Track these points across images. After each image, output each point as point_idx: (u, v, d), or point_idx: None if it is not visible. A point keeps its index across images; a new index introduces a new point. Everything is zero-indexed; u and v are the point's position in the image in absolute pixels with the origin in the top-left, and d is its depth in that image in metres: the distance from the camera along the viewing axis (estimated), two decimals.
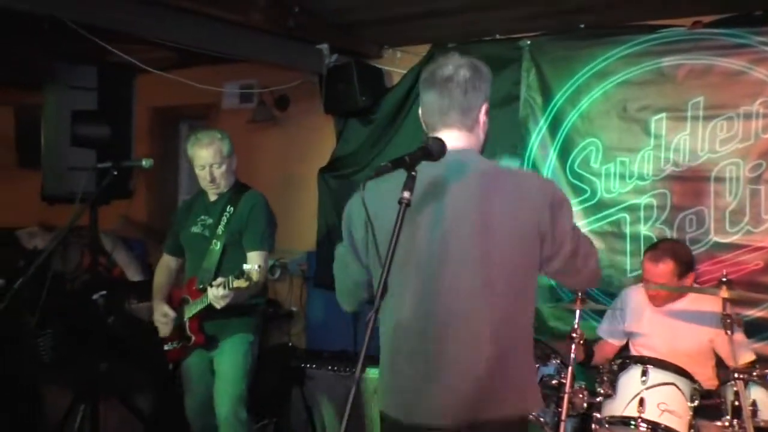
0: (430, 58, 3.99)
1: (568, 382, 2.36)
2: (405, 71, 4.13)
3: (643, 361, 2.43)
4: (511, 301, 1.67)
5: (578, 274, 1.78)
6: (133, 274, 4.75)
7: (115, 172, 2.68)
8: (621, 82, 3.42)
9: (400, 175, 1.53)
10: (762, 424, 2.04)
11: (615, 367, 2.48)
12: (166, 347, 3.01)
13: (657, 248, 2.86)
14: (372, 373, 3.80)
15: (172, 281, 3.13)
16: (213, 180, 2.92)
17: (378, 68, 4.17)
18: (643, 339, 2.95)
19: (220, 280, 2.65)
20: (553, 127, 3.62)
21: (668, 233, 3.31)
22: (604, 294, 3.45)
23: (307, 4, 3.58)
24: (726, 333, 2.21)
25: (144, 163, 2.78)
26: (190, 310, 2.90)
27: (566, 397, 2.32)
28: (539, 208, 1.66)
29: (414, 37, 4.04)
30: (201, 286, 2.83)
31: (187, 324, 2.91)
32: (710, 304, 2.83)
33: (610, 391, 2.40)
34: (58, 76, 3.17)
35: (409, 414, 1.67)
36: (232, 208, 2.94)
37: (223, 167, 2.93)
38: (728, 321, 2.17)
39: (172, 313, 2.95)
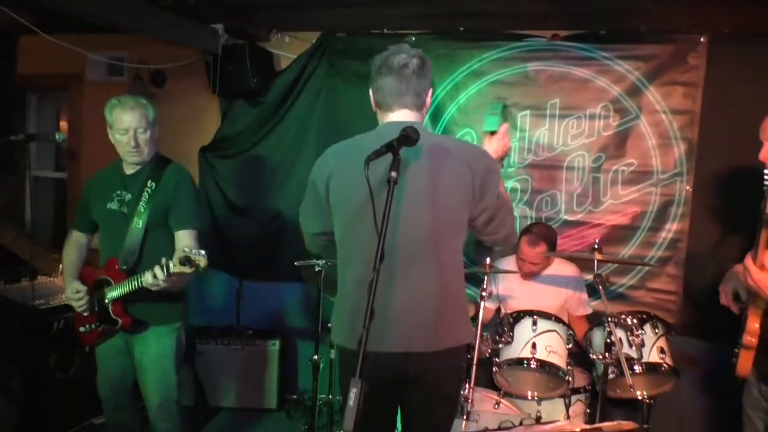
0: (319, 46, 4.22)
1: (478, 333, 2.80)
2: (293, 56, 4.29)
3: (532, 313, 2.94)
4: (451, 251, 2.07)
5: (497, 232, 2.17)
6: None
7: (26, 145, 2.54)
8: (493, 81, 3.94)
9: (361, 149, 1.82)
10: (625, 355, 2.65)
11: (511, 320, 2.97)
12: (81, 329, 2.84)
13: (532, 233, 3.38)
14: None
15: (83, 259, 2.95)
16: (137, 145, 2.72)
17: (269, 51, 4.27)
18: (513, 302, 3.50)
19: (163, 261, 2.48)
20: (434, 117, 4.05)
21: (529, 212, 3.93)
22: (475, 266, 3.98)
23: None
24: (599, 288, 2.77)
25: (57, 137, 2.66)
26: (113, 293, 2.72)
27: (476, 346, 2.75)
28: (477, 174, 2.03)
29: (304, 24, 4.20)
30: (125, 267, 2.71)
31: (110, 307, 2.73)
32: (567, 270, 3.49)
33: (509, 339, 2.88)
34: None
35: (375, 343, 1.87)
36: (153, 183, 2.76)
37: (148, 133, 2.75)
38: (598, 280, 2.74)
39: (83, 288, 2.78)
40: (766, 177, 1.94)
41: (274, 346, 4.07)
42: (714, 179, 3.57)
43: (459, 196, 2.03)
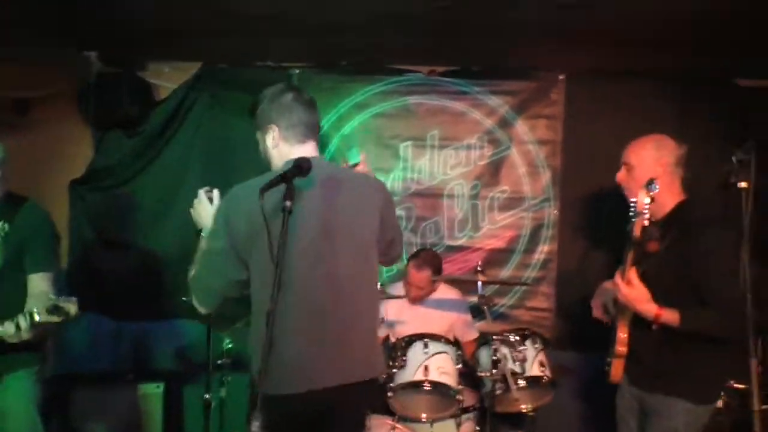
0: (200, 77, 4.15)
1: None
2: (173, 86, 4.18)
3: (423, 336, 3.04)
4: (363, 283, 2.08)
5: (391, 255, 2.28)
6: None
7: None
8: (376, 113, 4.09)
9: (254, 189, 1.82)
10: (510, 371, 2.82)
11: (403, 344, 3.04)
12: None
13: (419, 257, 3.52)
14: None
15: None
16: None
17: (146, 81, 4.13)
18: (402, 327, 3.59)
19: (27, 310, 2.33)
20: (321, 148, 4.08)
21: (414, 239, 4.07)
22: None
23: (78, 8, 3.41)
24: (484, 309, 2.93)
25: None
26: None
27: None
28: (378, 206, 2.10)
29: (184, 54, 4.12)
30: None
31: None
32: (451, 294, 3.66)
33: (402, 363, 2.95)
34: None
35: (305, 383, 1.92)
36: (7, 224, 2.58)
37: None
38: (483, 300, 2.90)
39: None
40: (631, 205, 2.16)
41: (158, 389, 3.85)
42: (577, 203, 3.94)
43: (363, 229, 2.07)
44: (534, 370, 3.01)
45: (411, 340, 3.04)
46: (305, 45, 3.92)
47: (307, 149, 2.08)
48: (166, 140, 4.16)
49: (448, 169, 4.07)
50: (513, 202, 4.03)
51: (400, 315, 3.60)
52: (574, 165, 3.96)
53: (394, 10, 3.22)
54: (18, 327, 2.33)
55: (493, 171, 4.03)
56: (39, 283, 2.58)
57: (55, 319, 2.30)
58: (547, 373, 3.02)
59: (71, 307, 2.31)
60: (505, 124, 4.02)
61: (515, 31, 3.43)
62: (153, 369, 4.06)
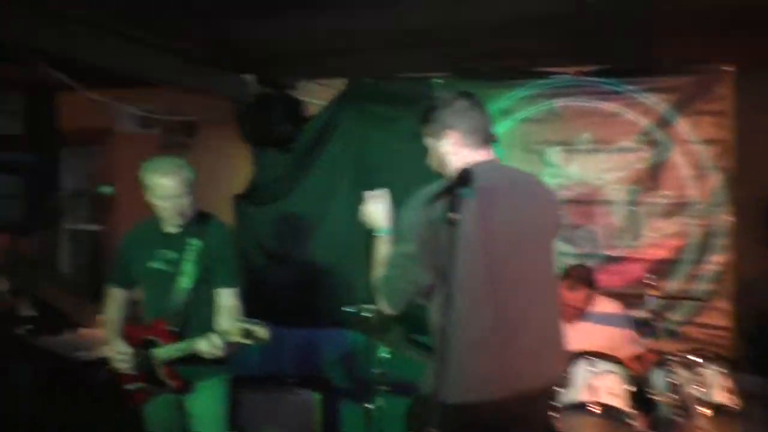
0: (347, 92, 4.29)
1: None
2: (322, 102, 4.36)
3: (588, 354, 2.86)
4: (546, 287, 2.08)
5: None
6: (26, 308, 4.42)
7: (75, 201, 2.58)
8: (522, 119, 3.96)
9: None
10: (691, 396, 2.57)
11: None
12: (128, 387, 2.81)
13: (570, 277, 3.32)
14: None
15: (125, 316, 2.92)
16: (178, 212, 2.69)
17: (298, 99, 4.34)
18: None
19: (226, 331, 2.50)
20: None
21: (566, 248, 3.87)
22: None
23: (234, 35, 3.67)
24: (655, 326, 2.69)
25: (103, 190, 2.69)
26: (163, 355, 2.69)
27: None
28: (554, 208, 2.19)
29: (332, 71, 4.29)
30: (173, 329, 2.68)
31: (161, 369, 2.71)
32: (611, 308, 3.43)
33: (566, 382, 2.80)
34: None
35: (491, 391, 1.89)
36: (197, 242, 2.72)
37: (186, 197, 2.70)
38: (653, 316, 2.68)
39: (128, 350, 2.76)
40: None
41: (317, 396, 4.00)
42: (756, 208, 3.52)
43: (549, 225, 2.12)
44: (720, 396, 2.71)
45: (574, 357, 2.87)
46: (446, 54, 3.90)
47: (488, 153, 2.07)
48: (317, 155, 4.34)
49: (601, 173, 3.83)
50: (677, 207, 3.70)
51: None
52: (749, 165, 3.54)
53: (533, 11, 3.09)
54: (213, 345, 2.51)
55: (653, 174, 3.73)
56: (227, 298, 2.73)
57: (247, 342, 2.45)
58: (735, 400, 2.72)
59: (262, 332, 2.45)
60: (663, 123, 3.71)
61: (669, 23, 3.15)
62: (313, 376, 4.23)
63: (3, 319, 3.95)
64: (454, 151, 2.05)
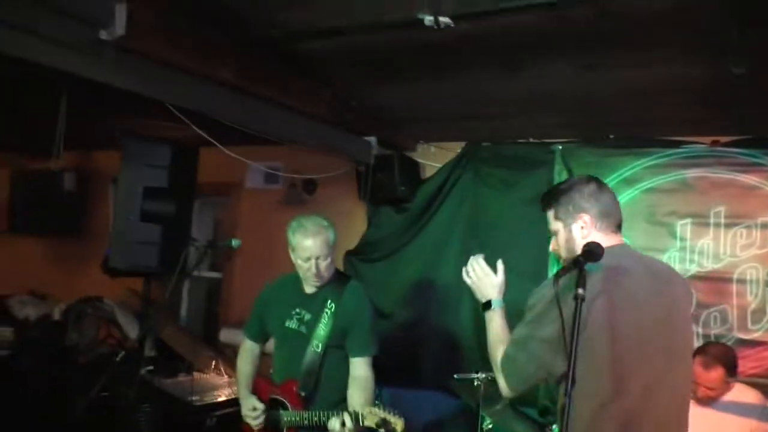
0: (464, 155, 4.32)
1: None
2: (438, 165, 4.42)
3: None
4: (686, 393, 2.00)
5: None
6: (148, 349, 4.68)
7: (207, 250, 2.74)
8: (648, 189, 3.78)
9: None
10: None
11: None
12: None
13: (707, 354, 3.05)
14: None
15: (257, 369, 2.96)
16: (318, 274, 2.65)
17: (415, 161, 4.44)
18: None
19: (361, 414, 2.41)
20: None
21: (695, 328, 3.59)
22: None
23: (360, 100, 3.84)
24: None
25: (233, 243, 2.83)
26: (290, 419, 2.69)
27: None
28: (690, 303, 2.15)
29: (450, 135, 4.35)
30: (303, 393, 2.67)
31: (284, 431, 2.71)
32: (750, 397, 3.10)
33: None
34: (136, 154, 3.25)
35: None
36: (333, 305, 2.68)
37: (329, 259, 2.68)
38: None
39: (261, 406, 2.77)
40: None
41: None
42: None
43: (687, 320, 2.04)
44: None
45: None
46: (568, 120, 3.86)
47: (619, 238, 2.03)
48: (431, 215, 4.36)
49: (737, 250, 3.55)
50: None
51: None
52: None
53: (668, 83, 3.00)
54: (343, 424, 2.44)
55: None
56: (361, 368, 2.67)
57: (380, 430, 2.33)
58: None
59: (399, 424, 2.31)
60: None
61: None
62: None
63: (130, 359, 4.22)
64: (585, 234, 1.99)
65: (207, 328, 5.48)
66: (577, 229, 2.00)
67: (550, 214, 2.06)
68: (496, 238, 4.08)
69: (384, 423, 2.31)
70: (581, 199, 2.00)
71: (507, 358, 1.94)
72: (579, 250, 1.93)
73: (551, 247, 2.11)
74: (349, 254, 4.60)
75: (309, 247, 2.63)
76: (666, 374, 1.88)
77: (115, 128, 3.82)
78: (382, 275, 4.49)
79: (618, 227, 2.04)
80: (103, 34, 2.21)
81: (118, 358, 2.94)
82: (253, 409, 2.77)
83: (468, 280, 2.15)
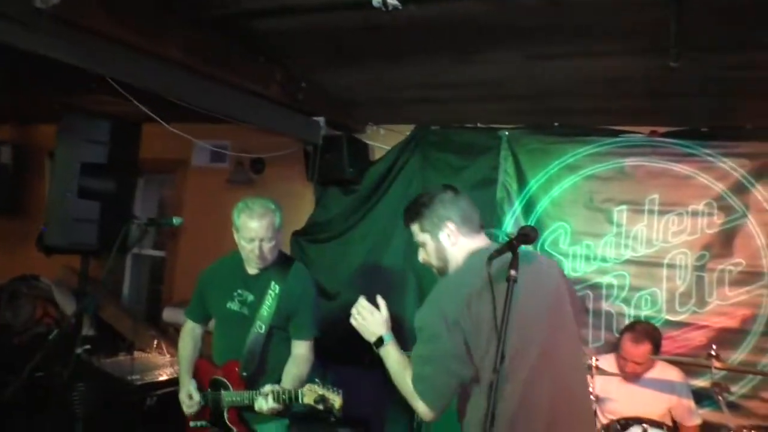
0: (413, 139, 4.35)
1: None
2: (387, 147, 4.44)
3: (641, 420, 2.77)
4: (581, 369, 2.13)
5: None
6: (87, 328, 4.57)
7: (148, 228, 2.69)
8: (588, 176, 3.91)
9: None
10: None
11: (618, 427, 2.80)
12: (191, 424, 2.82)
13: (635, 330, 3.23)
14: None
15: (198, 351, 2.93)
16: (261, 256, 2.64)
17: (364, 142, 4.44)
18: (611, 405, 3.30)
19: (269, 388, 2.46)
20: (527, 209, 4.04)
21: (626, 310, 3.77)
22: None
23: (310, 81, 3.81)
24: (719, 398, 2.59)
25: (175, 221, 2.77)
26: (231, 399, 2.68)
27: None
28: (565, 284, 2.16)
29: (399, 117, 4.38)
30: (245, 374, 2.67)
31: (226, 413, 2.69)
32: (671, 374, 3.29)
33: None
34: (74, 129, 3.14)
35: None
36: (278, 287, 2.67)
37: (273, 242, 2.66)
38: (717, 388, 2.57)
39: (197, 397, 2.75)
40: None
41: None
42: None
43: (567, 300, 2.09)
44: None
45: (627, 423, 2.78)
46: (515, 108, 3.94)
47: (484, 240, 2.11)
48: (378, 197, 4.39)
49: (669, 236, 3.72)
50: (749, 277, 3.53)
51: (610, 391, 3.32)
52: None
53: (611, 73, 3.10)
54: (270, 407, 2.45)
55: (725, 241, 3.60)
56: (301, 349, 2.71)
57: (318, 408, 2.34)
58: None
59: (337, 400, 2.33)
60: (739, 189, 3.58)
61: (751, 89, 3.10)
62: (353, 414, 4.18)
63: (65, 338, 4.10)
64: (453, 241, 2.06)
65: (150, 308, 5.39)
66: (444, 238, 2.06)
67: (415, 227, 2.11)
68: None
69: (322, 399, 2.33)
70: (443, 208, 2.06)
71: (417, 377, 1.93)
72: (450, 258, 2.06)
73: (420, 258, 2.15)
74: (296, 235, 4.59)
75: (254, 229, 2.61)
76: (555, 349, 1.96)
77: (54, 102, 3.68)
78: (330, 256, 4.50)
79: (480, 228, 2.12)
80: (38, 3, 2.12)
81: (51, 337, 2.86)
82: (189, 398, 2.76)
83: (354, 323, 2.12)
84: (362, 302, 2.12)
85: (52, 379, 3.27)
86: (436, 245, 2.08)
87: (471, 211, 2.10)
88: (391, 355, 2.04)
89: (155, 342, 4.26)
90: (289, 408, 2.58)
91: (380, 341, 2.07)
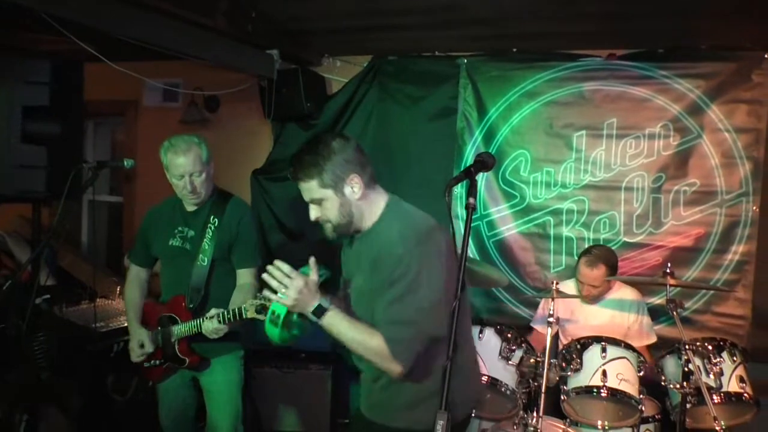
0: (371, 70, 4.24)
1: (546, 360, 2.74)
2: (344, 80, 4.32)
3: (601, 339, 2.86)
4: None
5: None
6: (45, 277, 4.47)
7: (98, 172, 2.60)
8: (547, 102, 3.89)
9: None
10: (704, 384, 2.55)
11: (579, 346, 2.89)
12: (146, 365, 2.84)
13: (591, 254, 3.29)
14: None
15: (145, 296, 2.94)
16: (194, 191, 2.68)
17: (321, 75, 4.31)
18: (572, 327, 3.41)
19: (214, 312, 2.54)
20: (487, 138, 4.02)
21: (586, 234, 3.84)
22: (532, 288, 3.92)
23: (261, 11, 3.64)
24: (673, 314, 2.69)
25: (125, 163, 2.70)
26: (180, 332, 2.72)
27: (545, 373, 2.69)
28: None
29: (356, 48, 4.24)
30: (191, 306, 2.71)
31: (177, 346, 2.74)
32: (628, 294, 3.40)
33: (578, 366, 2.81)
34: (11, 71, 2.94)
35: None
36: (216, 219, 2.73)
37: (203, 175, 2.69)
38: (672, 305, 2.66)
39: (149, 348, 2.78)
40: None
41: (327, 370, 4.04)
42: None
43: None
44: (732, 385, 2.70)
45: (587, 343, 2.87)
46: (473, 34, 3.85)
47: (385, 192, 2.03)
48: (337, 132, 4.31)
49: (626, 159, 3.76)
50: (703, 196, 3.63)
51: (571, 314, 3.42)
52: None
53: None
54: (214, 328, 2.52)
55: (680, 162, 3.66)
56: (246, 277, 2.73)
57: (261, 317, 2.33)
58: (748, 389, 2.70)
59: (275, 303, 2.35)
60: (695, 110, 3.62)
61: (708, 7, 3.07)
62: (322, 352, 4.26)
63: (22, 289, 4.00)
64: (358, 194, 1.92)
65: (110, 254, 5.29)
66: (349, 191, 1.92)
67: (314, 183, 1.91)
68: (403, 153, 4.12)
69: (263, 308, 2.37)
70: (345, 160, 1.90)
71: (395, 342, 1.81)
72: (356, 212, 1.92)
73: (313, 217, 1.99)
74: (256, 173, 4.50)
75: (181, 165, 2.65)
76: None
77: None
78: (291, 194, 4.39)
79: (376, 180, 1.99)
80: None
81: (5, 288, 2.79)
82: (140, 346, 2.79)
83: (284, 301, 1.90)
84: (280, 265, 1.90)
85: (11, 329, 3.20)
86: (341, 200, 1.92)
87: (365, 158, 1.96)
88: (339, 322, 1.87)
89: (117, 288, 4.19)
90: (237, 333, 2.69)
91: (320, 309, 1.87)
